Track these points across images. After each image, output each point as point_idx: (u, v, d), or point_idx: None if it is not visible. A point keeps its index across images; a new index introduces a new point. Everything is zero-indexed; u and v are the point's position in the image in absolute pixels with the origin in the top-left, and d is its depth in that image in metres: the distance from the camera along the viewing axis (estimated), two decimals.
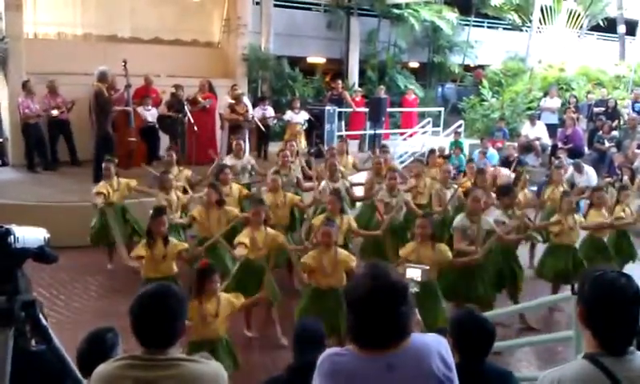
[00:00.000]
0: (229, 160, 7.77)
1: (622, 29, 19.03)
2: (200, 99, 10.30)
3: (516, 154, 10.50)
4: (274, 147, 10.36)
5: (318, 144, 11.09)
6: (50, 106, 9.60)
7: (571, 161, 9.80)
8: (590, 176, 9.16)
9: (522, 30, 19.63)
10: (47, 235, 1.84)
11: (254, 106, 11.21)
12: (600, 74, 16.24)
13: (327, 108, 11.90)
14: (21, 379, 1.74)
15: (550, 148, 12.18)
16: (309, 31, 16.53)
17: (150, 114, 9.97)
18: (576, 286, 1.95)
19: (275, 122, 11.83)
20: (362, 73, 16.92)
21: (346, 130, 13.02)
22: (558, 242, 6.17)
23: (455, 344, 2.56)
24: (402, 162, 12.07)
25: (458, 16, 17.72)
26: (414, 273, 3.17)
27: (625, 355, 1.77)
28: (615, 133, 12.29)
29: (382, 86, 14.51)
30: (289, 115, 11.31)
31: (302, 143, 10.97)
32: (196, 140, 9.75)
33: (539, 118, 13.19)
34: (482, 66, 18.53)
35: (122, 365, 1.96)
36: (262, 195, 6.65)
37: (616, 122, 12.90)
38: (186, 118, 9.63)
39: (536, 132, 12.55)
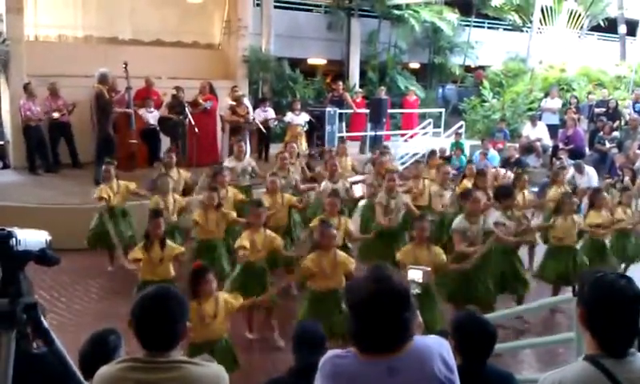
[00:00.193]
0: (229, 162, 7.77)
1: (622, 29, 19.01)
2: (201, 101, 10.29)
3: (517, 155, 10.49)
4: (274, 149, 10.35)
5: (319, 145, 11.09)
6: (51, 109, 9.60)
7: (572, 162, 9.78)
8: (590, 177, 9.14)
9: (522, 31, 19.61)
10: (49, 238, 1.84)
11: (255, 107, 11.21)
12: (601, 74, 16.21)
13: (328, 109, 11.91)
14: (23, 382, 1.74)
15: (550, 149, 12.17)
16: (309, 32, 16.53)
17: (152, 116, 9.96)
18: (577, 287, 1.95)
19: (276, 123, 11.81)
20: (362, 74, 16.92)
21: (347, 132, 13.03)
22: (559, 244, 6.15)
23: (457, 346, 2.57)
24: (402, 164, 12.07)
25: (458, 17, 17.71)
26: (415, 274, 3.16)
27: (625, 357, 1.77)
28: (616, 133, 12.29)
29: (382, 87, 14.53)
30: (289, 117, 11.30)
31: (303, 145, 10.95)
32: (197, 142, 9.72)
33: (540, 119, 13.18)
34: (482, 67, 18.50)
35: (123, 367, 1.97)
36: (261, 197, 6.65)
37: (617, 122, 12.91)
38: (187, 120, 9.63)
39: (537, 133, 12.52)
